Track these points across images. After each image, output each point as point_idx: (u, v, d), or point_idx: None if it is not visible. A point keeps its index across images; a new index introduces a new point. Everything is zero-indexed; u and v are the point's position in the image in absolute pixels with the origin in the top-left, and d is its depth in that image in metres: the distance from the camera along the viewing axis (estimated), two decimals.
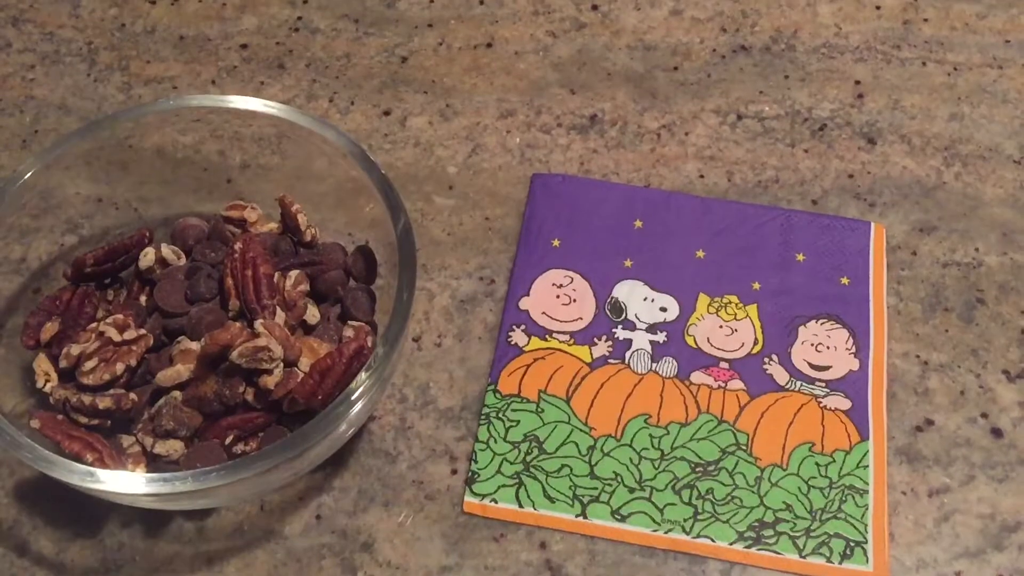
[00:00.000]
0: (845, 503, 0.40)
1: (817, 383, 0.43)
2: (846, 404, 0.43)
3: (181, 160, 0.47)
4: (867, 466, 0.41)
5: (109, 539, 0.40)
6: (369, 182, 0.41)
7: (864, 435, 0.42)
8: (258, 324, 0.38)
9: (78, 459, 0.37)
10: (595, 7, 0.55)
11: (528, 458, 0.42)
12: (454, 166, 0.50)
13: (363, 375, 0.36)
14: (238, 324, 0.38)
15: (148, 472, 0.38)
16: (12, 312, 0.43)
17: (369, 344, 0.38)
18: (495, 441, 0.42)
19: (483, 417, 0.43)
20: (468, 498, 0.41)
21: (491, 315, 0.46)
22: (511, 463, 0.42)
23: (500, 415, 0.43)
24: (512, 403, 0.43)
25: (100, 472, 0.34)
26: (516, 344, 0.45)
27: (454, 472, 0.42)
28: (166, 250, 0.43)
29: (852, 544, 0.40)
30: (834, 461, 0.41)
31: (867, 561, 0.39)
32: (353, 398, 0.36)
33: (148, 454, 0.38)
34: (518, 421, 0.43)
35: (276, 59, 0.53)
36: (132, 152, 0.46)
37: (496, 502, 0.41)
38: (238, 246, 0.40)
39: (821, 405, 0.43)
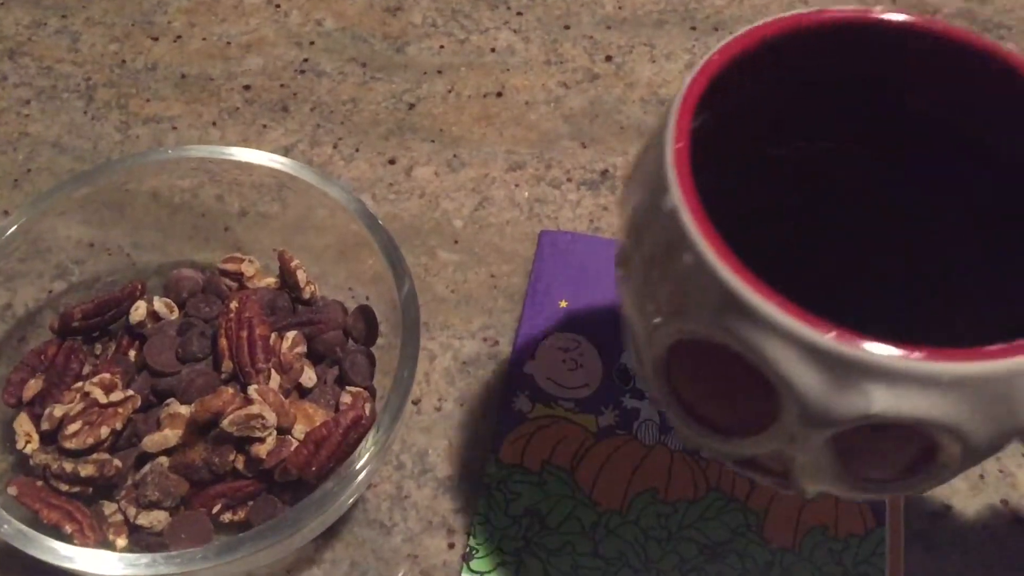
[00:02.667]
0: None
1: None
2: None
3: (178, 205, 0.46)
4: (883, 554, 0.39)
5: None
6: (372, 240, 0.40)
7: (880, 520, 0.40)
8: (251, 390, 0.36)
9: (57, 529, 0.35)
10: (609, 58, 0.54)
11: (529, 534, 0.40)
12: (460, 219, 0.48)
13: (365, 451, 0.34)
14: (230, 390, 0.36)
15: (130, 542, 0.36)
16: None
17: (367, 412, 0.37)
18: (495, 514, 0.40)
19: (483, 488, 0.41)
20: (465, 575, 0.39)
21: (494, 378, 0.44)
22: (511, 539, 0.40)
23: (501, 487, 0.41)
24: (514, 474, 0.41)
25: (76, 552, 0.32)
26: (520, 411, 0.43)
27: (451, 546, 0.40)
28: (158, 304, 0.41)
29: None
30: (848, 547, 0.40)
31: None
32: (356, 481, 0.34)
33: (130, 524, 0.36)
34: (519, 494, 0.41)
35: (280, 102, 0.52)
36: (127, 195, 0.45)
37: None
38: (234, 305, 0.39)
39: None
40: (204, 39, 0.54)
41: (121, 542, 0.36)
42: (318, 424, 0.37)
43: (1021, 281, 0.30)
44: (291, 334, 0.39)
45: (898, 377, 0.25)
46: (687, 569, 0.39)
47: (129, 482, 0.37)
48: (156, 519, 0.36)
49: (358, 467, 0.35)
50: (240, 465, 0.37)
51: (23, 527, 0.32)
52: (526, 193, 0.49)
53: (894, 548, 0.40)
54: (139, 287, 0.41)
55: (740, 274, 0.26)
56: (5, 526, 0.32)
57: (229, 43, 0.54)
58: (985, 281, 0.31)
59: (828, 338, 0.25)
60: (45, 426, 0.36)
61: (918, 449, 0.27)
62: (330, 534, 0.40)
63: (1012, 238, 0.31)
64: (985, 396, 0.25)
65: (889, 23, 0.30)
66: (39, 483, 0.36)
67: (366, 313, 0.41)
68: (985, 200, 0.32)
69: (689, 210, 0.27)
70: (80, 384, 0.38)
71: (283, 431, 0.37)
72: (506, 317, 0.45)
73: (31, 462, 0.37)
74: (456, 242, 0.47)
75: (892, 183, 0.33)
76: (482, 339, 0.45)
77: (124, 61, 0.53)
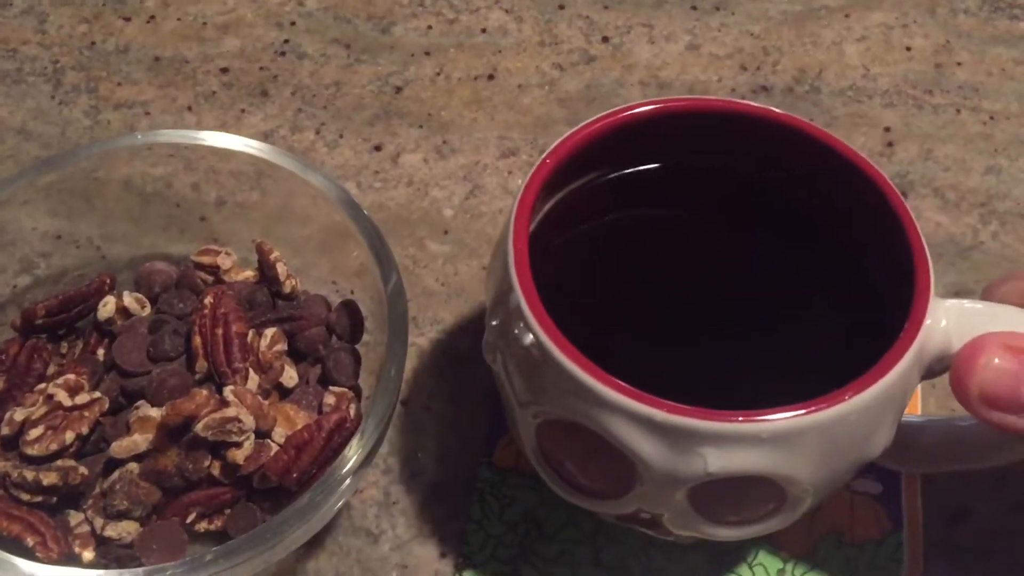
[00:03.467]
0: None
1: None
2: (877, 488, 0.39)
3: (151, 195, 0.43)
4: (900, 560, 0.37)
5: None
6: (356, 231, 0.37)
7: (897, 525, 0.38)
8: (227, 391, 0.34)
9: (18, 542, 0.32)
10: (606, 39, 0.51)
11: (525, 541, 0.37)
12: (450, 208, 0.46)
13: (349, 456, 0.32)
14: (204, 392, 0.34)
15: (97, 555, 0.34)
16: None
17: (352, 415, 0.34)
18: (489, 521, 0.38)
19: (477, 493, 0.38)
20: None
21: (487, 377, 0.41)
22: (506, 547, 0.37)
23: (495, 491, 0.38)
24: (509, 478, 0.39)
25: (37, 569, 0.29)
26: None
27: (443, 555, 0.37)
28: (128, 299, 0.38)
29: None
30: (864, 553, 0.37)
31: None
32: (341, 488, 0.32)
33: (97, 536, 0.34)
34: (515, 499, 0.38)
35: (259, 85, 0.49)
36: (97, 184, 0.42)
37: None
38: (208, 300, 0.36)
39: (850, 488, 0.39)
40: (179, 19, 0.51)
41: (88, 555, 0.34)
42: (299, 428, 0.34)
43: (834, 344, 0.34)
44: (270, 331, 0.37)
45: (725, 439, 0.28)
46: None
47: (96, 490, 0.34)
48: (125, 530, 0.33)
49: (343, 473, 0.32)
50: (216, 471, 0.34)
51: None
52: (519, 180, 0.46)
53: (913, 554, 0.38)
54: (108, 281, 0.38)
55: (581, 364, 0.29)
56: None
57: (205, 24, 0.51)
58: (801, 342, 0.34)
59: (661, 413, 0.28)
60: (5, 431, 0.34)
61: (766, 493, 0.30)
62: (313, 543, 0.37)
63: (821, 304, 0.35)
64: (804, 445, 0.28)
65: (709, 107, 0.35)
66: None
67: (350, 308, 0.39)
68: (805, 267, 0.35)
69: (530, 307, 0.30)
70: (43, 386, 0.35)
71: (262, 435, 0.35)
72: None
73: None
74: (446, 232, 0.45)
75: (725, 255, 0.36)
76: (474, 334, 0.42)
77: (94, 43, 0.50)
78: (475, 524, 0.38)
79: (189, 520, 0.35)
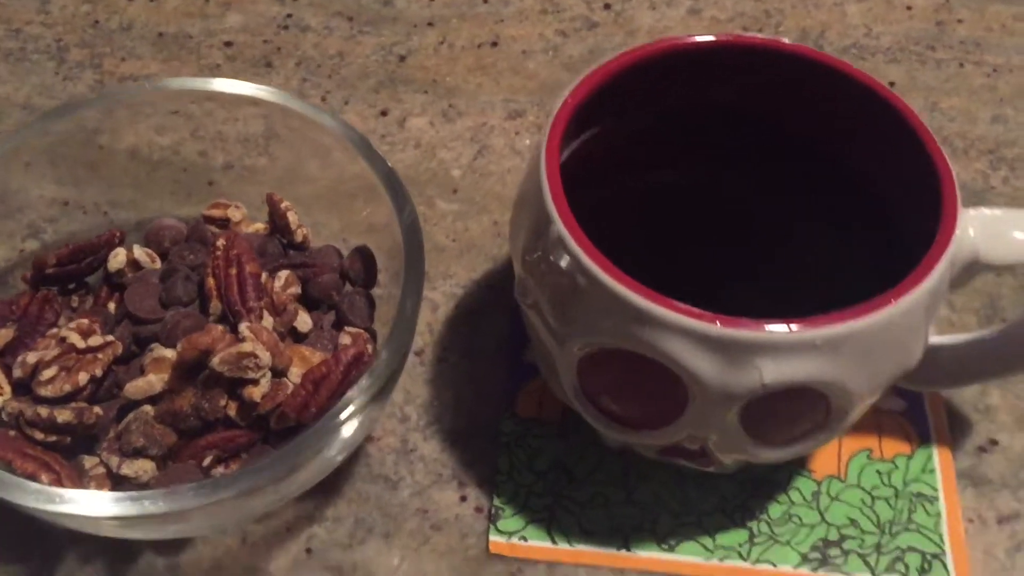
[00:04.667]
0: (915, 513, 0.36)
1: None
2: (901, 404, 0.38)
3: (158, 162, 0.43)
4: (933, 470, 0.37)
5: None
6: (369, 176, 0.37)
7: (925, 438, 0.38)
8: (243, 327, 0.33)
9: (33, 479, 0.31)
10: (607, 6, 0.52)
11: (557, 488, 0.37)
12: (458, 169, 0.45)
13: (363, 381, 0.31)
14: (220, 327, 0.33)
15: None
16: None
17: (369, 351, 0.34)
18: (518, 472, 0.37)
19: (502, 446, 0.38)
20: (493, 537, 0.36)
21: (502, 328, 0.41)
22: (538, 495, 0.37)
23: (520, 443, 0.38)
24: (532, 428, 0.38)
25: (58, 491, 0.29)
26: (531, 363, 0.40)
27: (463, 499, 0.37)
28: (139, 252, 0.38)
29: (929, 557, 0.35)
30: (896, 467, 0.37)
31: (948, 573, 0.35)
32: (352, 408, 0.31)
33: (113, 476, 0.33)
34: (541, 448, 0.38)
35: (263, 57, 0.49)
36: (103, 153, 0.42)
37: (526, 539, 0.36)
38: (221, 243, 0.36)
39: (874, 407, 0.38)
40: None
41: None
42: (316, 364, 0.33)
43: (859, 259, 0.34)
44: (284, 274, 0.36)
45: (780, 348, 0.28)
46: (731, 508, 0.36)
47: (111, 435, 0.34)
48: (142, 468, 0.33)
49: (359, 401, 0.31)
50: (232, 412, 0.34)
51: None
52: (527, 141, 0.46)
53: (944, 464, 0.37)
54: (117, 234, 0.38)
55: (630, 286, 0.28)
56: None
57: (208, 1, 0.51)
58: (828, 261, 0.34)
59: (717, 328, 0.28)
60: (18, 373, 0.33)
61: (812, 407, 0.30)
62: (331, 490, 0.37)
63: (841, 227, 0.35)
64: (854, 351, 0.28)
65: (743, 44, 0.34)
66: (12, 433, 0.33)
67: (364, 254, 0.38)
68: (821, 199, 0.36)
69: (574, 238, 0.29)
70: (56, 330, 0.34)
71: (278, 374, 0.34)
72: (512, 265, 0.43)
73: (2, 415, 0.33)
74: (455, 191, 0.45)
75: (751, 188, 0.36)
76: (487, 287, 0.42)
77: (97, 21, 0.50)
78: (504, 475, 0.37)
79: (205, 464, 0.34)
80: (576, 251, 0.29)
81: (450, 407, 0.39)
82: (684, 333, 0.28)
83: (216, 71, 0.49)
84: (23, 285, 0.38)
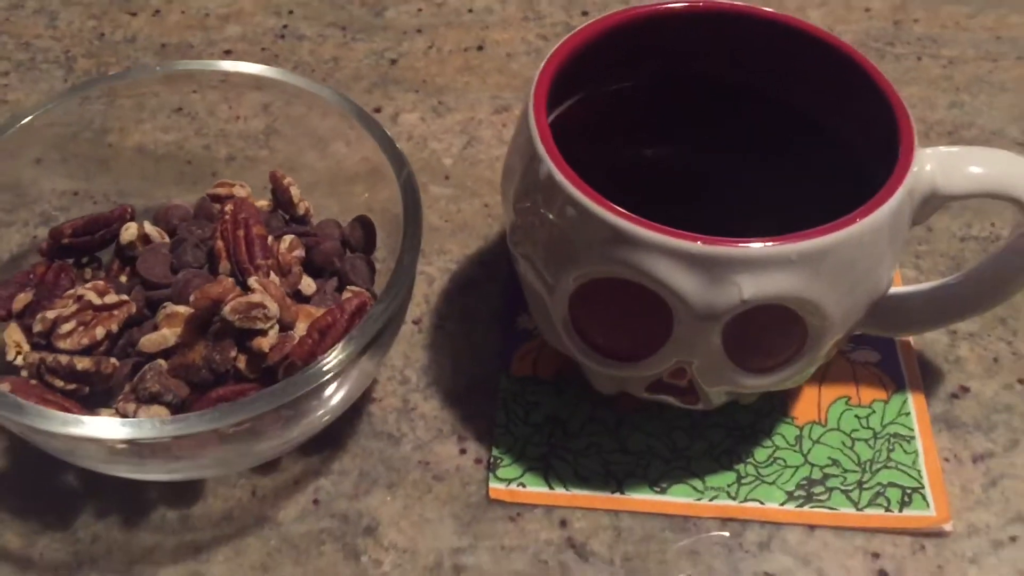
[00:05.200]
0: (893, 452, 0.38)
1: None
2: (875, 356, 0.41)
3: (163, 155, 0.45)
4: (909, 413, 0.39)
5: (83, 531, 0.36)
6: (367, 160, 0.39)
7: (900, 384, 0.40)
8: (252, 280, 0.35)
9: None
10: (585, 13, 0.55)
11: (552, 439, 0.38)
12: (449, 158, 0.48)
13: (364, 323, 0.33)
14: (231, 279, 0.35)
15: (130, 444, 0.34)
16: None
17: (371, 303, 0.36)
18: (515, 424, 0.39)
19: (499, 402, 0.40)
20: (493, 484, 0.37)
21: (495, 299, 0.43)
22: (535, 445, 0.38)
23: (517, 399, 0.40)
24: (528, 385, 0.40)
25: (76, 416, 0.30)
26: (524, 328, 0.42)
27: (463, 452, 0.38)
28: (149, 227, 0.40)
29: (909, 491, 0.37)
30: (874, 412, 0.39)
31: (928, 506, 0.36)
32: (353, 347, 0.33)
33: None
34: (537, 403, 0.39)
35: (261, 63, 0.52)
36: (111, 150, 0.44)
37: (524, 486, 0.37)
38: (229, 207, 0.38)
39: (850, 359, 0.40)
40: (183, 12, 0.54)
41: (120, 444, 0.34)
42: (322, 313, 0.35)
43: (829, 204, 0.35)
44: (288, 237, 0.39)
45: (758, 264, 0.30)
46: (718, 452, 0.38)
47: (126, 388, 0.35)
48: (157, 414, 0.34)
49: (362, 340, 0.33)
50: (242, 365, 0.36)
51: (14, 397, 0.30)
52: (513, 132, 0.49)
53: (919, 408, 0.39)
54: (129, 210, 0.40)
55: (616, 212, 0.31)
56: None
57: (208, 15, 0.54)
58: (801, 207, 0.35)
59: (697, 245, 0.30)
60: (38, 328, 0.35)
61: (790, 330, 0.33)
62: (336, 446, 0.38)
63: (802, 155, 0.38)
64: (827, 267, 0.31)
65: (716, 9, 0.37)
66: (33, 382, 0.34)
67: (364, 222, 0.41)
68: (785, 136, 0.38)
69: (561, 172, 0.32)
70: (72, 291, 0.36)
71: (285, 327, 0.36)
72: (503, 243, 0.45)
73: (23, 370, 0.35)
74: (447, 177, 0.47)
75: (726, 145, 0.39)
76: (480, 263, 0.44)
77: (103, 34, 0.53)
78: (501, 428, 0.39)
79: None
80: (564, 184, 0.31)
81: (448, 369, 0.41)
82: (668, 253, 0.30)
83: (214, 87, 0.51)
84: (39, 253, 0.40)
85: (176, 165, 0.45)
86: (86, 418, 0.30)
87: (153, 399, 0.34)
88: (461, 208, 0.46)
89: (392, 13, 0.55)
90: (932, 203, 0.33)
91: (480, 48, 0.53)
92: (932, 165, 0.33)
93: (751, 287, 0.30)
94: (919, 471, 0.38)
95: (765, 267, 0.30)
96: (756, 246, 0.30)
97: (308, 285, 0.39)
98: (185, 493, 0.37)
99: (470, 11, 0.55)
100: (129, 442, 0.30)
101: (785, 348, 0.33)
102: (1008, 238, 0.35)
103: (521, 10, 0.55)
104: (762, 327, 0.32)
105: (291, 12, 0.55)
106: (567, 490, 0.37)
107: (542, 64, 0.35)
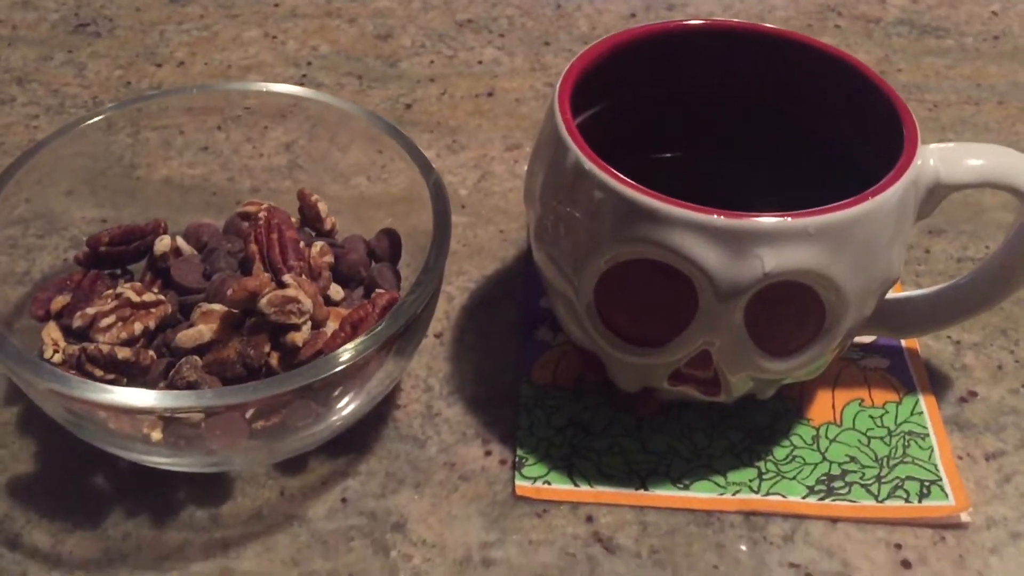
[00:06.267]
0: (909, 448, 0.39)
1: (850, 348, 0.42)
2: (884, 363, 0.42)
3: (189, 187, 0.47)
4: (921, 412, 0.40)
5: (113, 529, 0.36)
6: (390, 188, 0.41)
7: (911, 388, 0.41)
8: (287, 276, 0.37)
9: (90, 414, 0.34)
10: None
11: (575, 441, 0.39)
12: (465, 189, 0.50)
13: (393, 317, 0.34)
14: (267, 275, 0.36)
15: (165, 435, 0.35)
16: (19, 316, 0.41)
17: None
18: (538, 428, 0.40)
19: (521, 407, 0.40)
20: (519, 481, 0.38)
21: (514, 315, 0.44)
22: (558, 446, 0.39)
23: (539, 404, 0.40)
24: (549, 392, 0.41)
25: (110, 387, 0.31)
26: (543, 340, 0.43)
27: (488, 454, 0.39)
28: (181, 242, 0.41)
29: (927, 483, 0.38)
30: (887, 412, 0.40)
31: (947, 496, 0.37)
32: (381, 340, 0.34)
33: (165, 417, 0.35)
34: (558, 408, 0.40)
35: (279, 108, 0.54)
36: (139, 182, 0.46)
37: (549, 483, 0.38)
38: (262, 214, 0.39)
39: (860, 366, 0.42)
40: (206, 64, 0.57)
41: (156, 435, 0.35)
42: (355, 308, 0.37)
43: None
44: (319, 243, 0.40)
45: (778, 236, 0.32)
46: (738, 451, 0.39)
47: (162, 385, 0.36)
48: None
49: (391, 330, 0.34)
50: (275, 362, 0.36)
51: (53, 367, 0.31)
52: (525, 167, 0.51)
53: (931, 409, 0.41)
54: (162, 224, 0.42)
55: (642, 191, 0.32)
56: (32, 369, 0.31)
57: (230, 67, 0.57)
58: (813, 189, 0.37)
59: (721, 219, 0.31)
60: (77, 323, 0.36)
61: (809, 310, 0.34)
62: (363, 449, 0.39)
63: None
64: (842, 241, 0.32)
65: (725, 27, 0.40)
66: (72, 372, 0.35)
67: (390, 234, 0.42)
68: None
69: (588, 159, 0.34)
70: (110, 291, 0.37)
71: (317, 325, 0.37)
72: (518, 264, 0.46)
73: (63, 362, 0.36)
74: (463, 207, 0.49)
75: (739, 157, 0.42)
76: (497, 282, 0.46)
77: (129, 83, 0.55)
78: (524, 431, 0.40)
79: (248, 416, 0.36)
80: (592, 168, 0.33)
81: (470, 378, 0.42)
82: (692, 228, 0.32)
83: (238, 120, 0.53)
84: (75, 262, 0.41)
85: (201, 196, 0.47)
86: (125, 389, 0.31)
87: (190, 388, 0.35)
88: (477, 234, 0.48)
89: (406, 64, 0.57)
90: (936, 193, 0.35)
91: (490, 94, 0.55)
92: (935, 159, 0.35)
93: (772, 260, 0.32)
94: (935, 465, 0.38)
95: (785, 240, 0.32)
96: (775, 219, 0.32)
97: (336, 291, 0.40)
98: (214, 492, 0.38)
99: (479, 63, 0.58)
100: (165, 413, 0.31)
101: (804, 329, 0.35)
102: (1011, 229, 0.37)
103: (528, 62, 0.58)
104: (782, 307, 0.34)
105: (309, 63, 0.57)
106: (592, 487, 0.38)
107: (566, 67, 0.37)
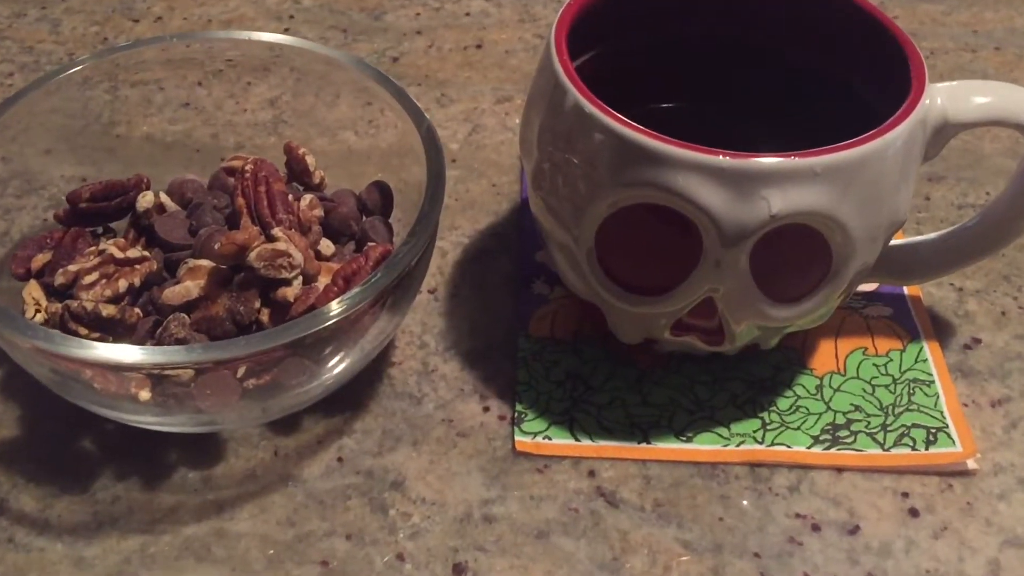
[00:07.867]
0: (914, 395, 0.38)
1: (853, 297, 0.41)
2: (887, 311, 0.41)
3: (171, 143, 0.46)
4: (926, 360, 0.39)
5: (101, 493, 0.35)
6: (379, 142, 0.40)
7: (914, 335, 0.40)
8: (276, 230, 0.35)
9: (76, 373, 0.33)
10: None
11: (575, 394, 0.38)
12: (455, 143, 0.49)
13: (387, 268, 0.33)
14: (256, 228, 0.35)
15: (155, 394, 0.34)
16: None
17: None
18: (536, 382, 0.39)
19: (519, 361, 0.39)
20: (519, 437, 0.37)
21: (510, 269, 0.43)
22: (558, 400, 0.38)
23: (537, 357, 0.40)
24: (547, 346, 0.40)
25: (96, 343, 0.30)
26: (540, 294, 0.42)
27: (486, 409, 0.38)
28: (164, 197, 0.40)
29: (934, 431, 0.37)
30: (891, 360, 0.39)
31: (954, 443, 0.36)
32: (375, 292, 0.33)
33: (154, 376, 0.34)
34: (557, 361, 0.39)
35: (262, 63, 0.52)
36: (119, 140, 0.45)
37: (550, 438, 0.37)
38: (248, 167, 0.38)
39: (863, 315, 0.41)
40: (185, 19, 0.55)
41: (144, 395, 0.34)
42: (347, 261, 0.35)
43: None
44: (308, 196, 0.39)
45: (784, 177, 0.31)
46: (741, 402, 0.38)
47: (150, 343, 0.35)
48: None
49: (385, 282, 0.33)
50: (265, 318, 0.35)
51: (43, 326, 0.30)
52: (516, 119, 0.50)
53: (936, 355, 0.40)
54: (145, 179, 0.40)
55: (644, 132, 0.31)
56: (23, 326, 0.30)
57: (210, 21, 0.55)
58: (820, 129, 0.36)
59: (727, 160, 0.30)
60: (60, 280, 0.35)
61: (815, 254, 0.33)
62: (358, 407, 0.38)
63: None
64: (849, 182, 0.31)
65: None
66: (55, 331, 0.34)
67: (381, 186, 0.41)
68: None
69: (587, 100, 0.32)
70: (93, 248, 0.36)
71: (308, 280, 0.36)
72: (514, 217, 0.45)
73: (46, 321, 0.35)
74: (454, 161, 0.48)
75: (749, 103, 0.40)
76: (491, 235, 0.44)
77: (106, 39, 0.54)
78: (523, 385, 0.39)
79: (239, 375, 0.35)
80: (592, 111, 0.32)
81: (465, 333, 0.41)
82: (697, 169, 0.31)
83: (219, 75, 0.51)
84: (55, 220, 0.39)
85: (184, 152, 0.45)
86: (111, 345, 0.30)
87: (179, 345, 0.34)
88: (469, 188, 0.46)
89: (391, 17, 0.56)
90: (944, 132, 0.34)
91: (479, 47, 0.54)
92: (942, 98, 0.34)
93: (779, 201, 0.31)
94: (941, 411, 0.38)
95: (791, 180, 0.31)
96: (781, 159, 0.30)
97: (327, 246, 0.39)
98: (206, 454, 0.37)
99: (467, 14, 0.56)
100: (153, 370, 0.30)
101: (810, 274, 0.34)
102: (1018, 167, 0.36)
103: (516, 13, 0.56)
104: (788, 251, 0.33)
105: (292, 17, 0.56)
106: (593, 441, 0.37)
107: (562, 8, 0.36)
